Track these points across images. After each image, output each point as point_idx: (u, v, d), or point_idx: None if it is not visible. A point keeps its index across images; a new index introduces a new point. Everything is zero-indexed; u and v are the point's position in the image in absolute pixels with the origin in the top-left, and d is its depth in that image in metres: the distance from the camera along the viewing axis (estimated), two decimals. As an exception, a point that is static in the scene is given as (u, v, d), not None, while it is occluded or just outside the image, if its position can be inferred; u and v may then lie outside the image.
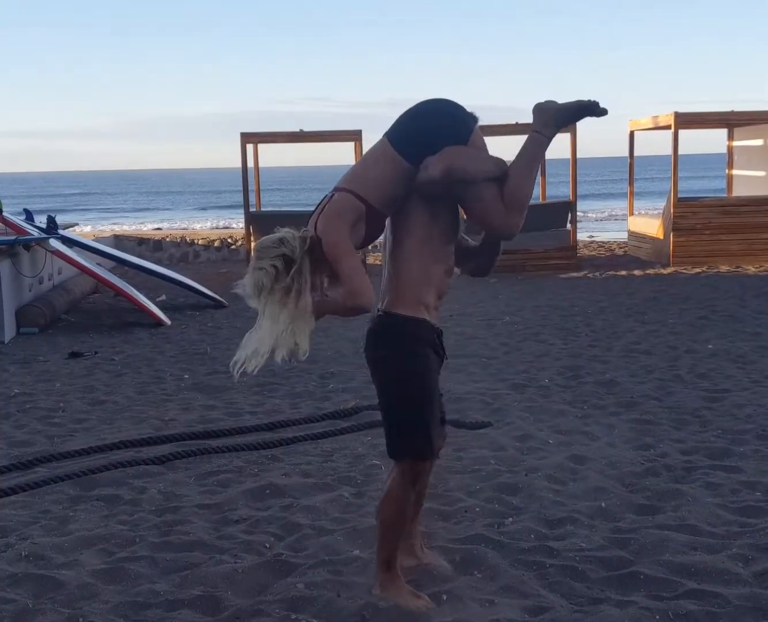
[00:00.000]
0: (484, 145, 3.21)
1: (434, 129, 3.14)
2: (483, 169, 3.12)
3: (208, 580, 3.63)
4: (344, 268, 3.07)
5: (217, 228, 29.25)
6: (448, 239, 3.27)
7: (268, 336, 3.05)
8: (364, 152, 14.87)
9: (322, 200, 3.23)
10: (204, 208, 49.14)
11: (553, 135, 3.23)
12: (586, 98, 3.17)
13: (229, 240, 18.20)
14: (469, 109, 3.23)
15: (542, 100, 3.22)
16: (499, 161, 3.17)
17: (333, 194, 3.18)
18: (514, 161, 3.18)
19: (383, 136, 3.22)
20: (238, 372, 3.11)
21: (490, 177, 3.12)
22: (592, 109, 3.17)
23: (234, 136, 14.46)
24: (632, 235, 16.69)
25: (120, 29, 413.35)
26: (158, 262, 15.96)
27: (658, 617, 3.24)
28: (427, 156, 3.11)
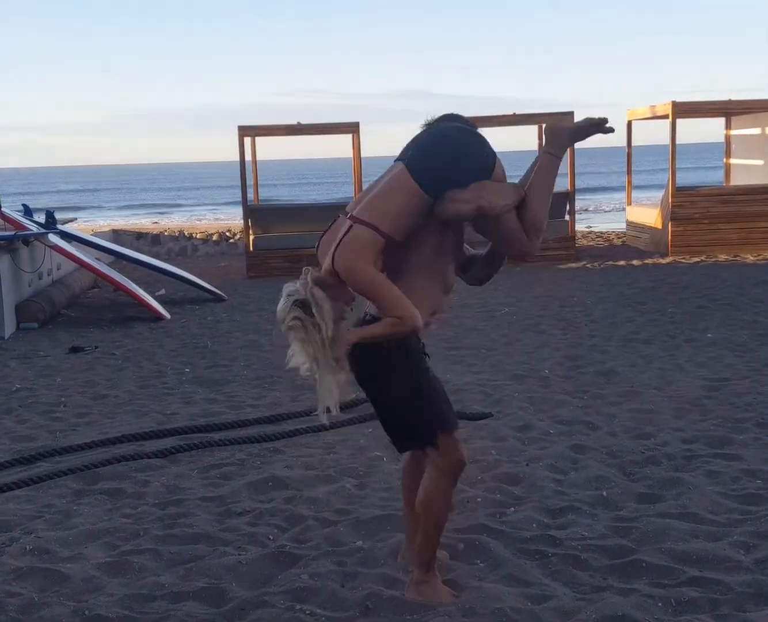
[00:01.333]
0: (503, 174, 3.22)
1: (460, 164, 3.11)
2: (507, 203, 3.15)
3: (213, 572, 3.65)
4: (387, 299, 3.05)
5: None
6: (453, 257, 3.28)
7: (329, 385, 3.09)
8: (361, 146, 14.69)
9: (334, 224, 3.20)
10: (202, 204, 48.98)
11: (564, 154, 3.31)
12: (596, 116, 3.26)
13: (228, 234, 18.17)
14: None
15: (555, 123, 3.31)
16: (517, 189, 3.20)
17: (351, 225, 3.09)
18: (530, 185, 3.21)
19: (400, 163, 3.16)
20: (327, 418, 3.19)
21: (512, 206, 3.17)
22: (602, 126, 3.25)
23: (231, 129, 14.44)
24: (630, 225, 16.67)
25: (116, 21, 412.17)
26: (156, 256, 15.97)
27: (660, 604, 3.26)
28: (450, 188, 3.09)
